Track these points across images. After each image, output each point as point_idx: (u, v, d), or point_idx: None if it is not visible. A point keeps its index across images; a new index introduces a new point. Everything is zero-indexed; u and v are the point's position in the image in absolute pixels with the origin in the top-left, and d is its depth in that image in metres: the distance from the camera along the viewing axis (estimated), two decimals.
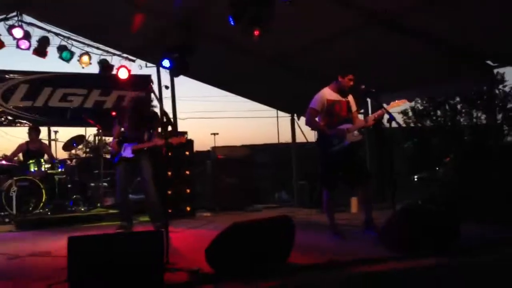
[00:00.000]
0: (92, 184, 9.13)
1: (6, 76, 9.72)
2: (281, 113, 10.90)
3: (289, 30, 6.91)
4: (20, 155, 8.78)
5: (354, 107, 5.70)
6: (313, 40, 7.37)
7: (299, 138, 10.39)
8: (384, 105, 5.38)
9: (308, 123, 5.72)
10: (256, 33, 6.11)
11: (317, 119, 5.58)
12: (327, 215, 5.66)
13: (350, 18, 6.58)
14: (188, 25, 7.28)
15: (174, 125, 5.16)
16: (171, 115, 9.88)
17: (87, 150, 8.60)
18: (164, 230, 3.68)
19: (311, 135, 10.59)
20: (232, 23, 6.05)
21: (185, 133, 8.76)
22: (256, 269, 3.51)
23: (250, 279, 3.37)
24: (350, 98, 5.68)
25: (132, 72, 9.84)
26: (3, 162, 8.49)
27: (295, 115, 10.21)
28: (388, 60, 7.23)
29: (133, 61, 10.07)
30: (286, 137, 16.08)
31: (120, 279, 3.12)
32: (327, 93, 5.54)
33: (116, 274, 3.11)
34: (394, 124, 5.19)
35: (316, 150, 5.66)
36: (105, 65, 9.88)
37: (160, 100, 9.76)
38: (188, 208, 8.23)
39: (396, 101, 5.52)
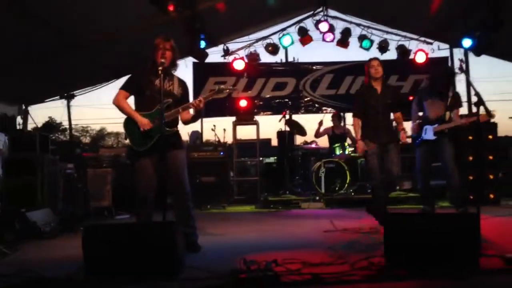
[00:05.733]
0: None
1: (313, 67, 10.87)
2: None
3: None
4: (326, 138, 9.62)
5: None
6: None
7: None
8: None
9: None
10: None
11: None
12: None
13: None
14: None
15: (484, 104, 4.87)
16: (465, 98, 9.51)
17: None
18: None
19: None
20: None
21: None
22: None
23: None
24: None
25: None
26: (313, 145, 9.49)
27: None
28: None
29: (431, 43, 10.00)
30: None
31: (433, 258, 3.24)
32: None
33: (431, 251, 3.25)
34: None
35: None
36: (402, 50, 10.07)
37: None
38: (492, 195, 7.74)
39: None
